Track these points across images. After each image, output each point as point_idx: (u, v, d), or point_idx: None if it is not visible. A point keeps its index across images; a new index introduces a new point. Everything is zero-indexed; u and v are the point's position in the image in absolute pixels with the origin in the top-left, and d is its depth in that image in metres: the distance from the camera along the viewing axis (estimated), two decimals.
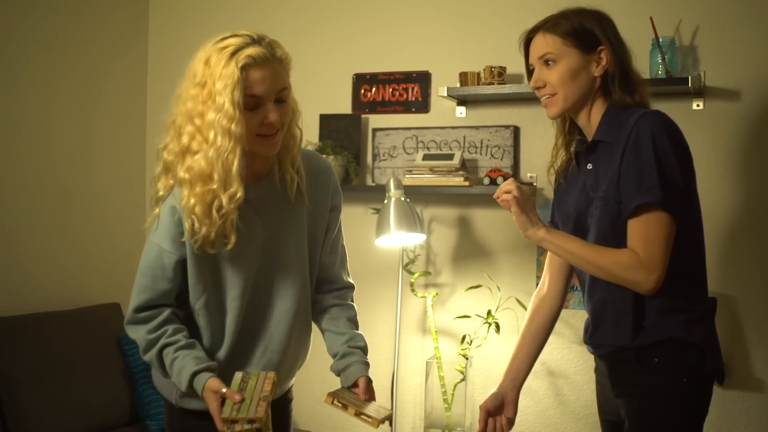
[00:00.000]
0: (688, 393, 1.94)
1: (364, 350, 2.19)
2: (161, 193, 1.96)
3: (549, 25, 2.01)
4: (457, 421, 3.20)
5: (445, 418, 3.20)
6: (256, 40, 1.87)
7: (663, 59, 2.94)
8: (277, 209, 2.02)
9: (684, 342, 1.93)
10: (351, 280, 2.29)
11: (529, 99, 3.27)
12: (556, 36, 2.00)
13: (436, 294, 3.36)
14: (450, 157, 3.27)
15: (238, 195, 1.86)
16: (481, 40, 3.38)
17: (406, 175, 3.29)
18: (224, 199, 1.85)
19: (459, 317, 3.29)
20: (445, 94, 3.29)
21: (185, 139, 1.88)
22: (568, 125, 2.15)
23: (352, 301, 2.29)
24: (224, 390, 1.85)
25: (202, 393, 1.88)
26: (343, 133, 3.58)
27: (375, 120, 3.59)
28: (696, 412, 1.96)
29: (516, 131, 3.30)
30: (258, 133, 1.89)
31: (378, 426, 2.03)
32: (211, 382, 1.87)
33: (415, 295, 3.33)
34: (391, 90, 3.57)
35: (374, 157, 3.54)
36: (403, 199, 3.13)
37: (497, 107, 3.36)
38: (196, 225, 1.88)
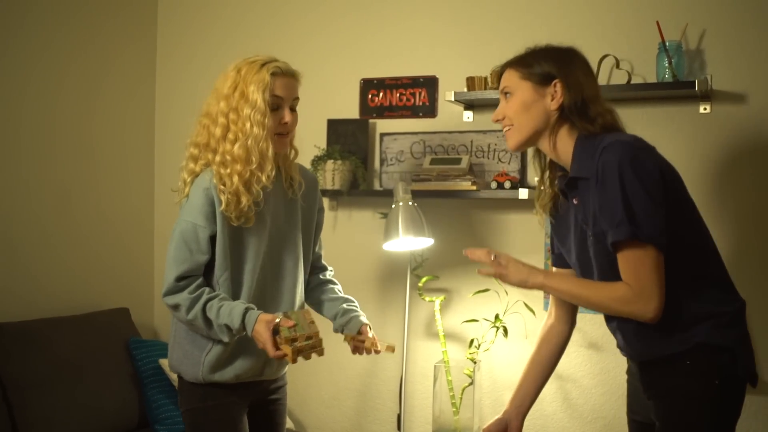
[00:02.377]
0: (720, 395, 1.94)
1: (358, 308, 2.55)
2: (188, 178, 2.32)
3: (512, 60, 2.12)
4: (465, 425, 3.20)
5: (453, 422, 3.20)
6: (276, 59, 2.32)
7: (670, 63, 2.94)
8: (280, 203, 2.41)
9: (716, 346, 1.94)
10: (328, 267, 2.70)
11: None
12: (514, 71, 2.09)
13: (444, 298, 3.36)
14: (457, 161, 3.28)
15: (274, 172, 2.31)
16: (488, 44, 3.39)
17: (414, 180, 3.30)
18: (263, 177, 2.28)
19: (467, 321, 3.29)
20: (452, 99, 3.29)
21: (219, 131, 2.28)
22: (548, 161, 2.19)
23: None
24: (278, 320, 2.18)
25: (255, 325, 2.18)
26: (350, 137, 3.59)
27: (382, 125, 3.60)
28: (728, 414, 1.97)
29: None
30: (276, 132, 2.31)
31: (394, 351, 2.45)
32: (264, 315, 2.20)
33: (423, 299, 3.34)
34: (398, 95, 3.58)
35: (382, 161, 3.55)
36: (410, 203, 3.13)
37: None
38: (237, 198, 2.24)
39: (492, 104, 3.33)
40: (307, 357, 2.16)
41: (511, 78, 2.09)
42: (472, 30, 3.44)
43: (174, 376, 3.00)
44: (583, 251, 2.08)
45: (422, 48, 3.55)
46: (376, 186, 3.58)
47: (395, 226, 3.10)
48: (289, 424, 3.06)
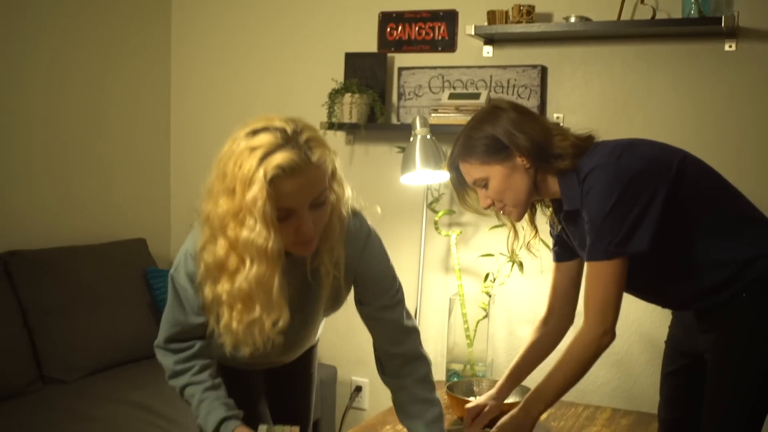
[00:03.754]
0: None
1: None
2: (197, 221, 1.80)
3: (461, 154, 2.06)
4: (479, 357, 3.24)
5: (467, 354, 3.24)
6: (290, 139, 1.64)
7: None
8: (303, 290, 1.92)
9: None
10: (410, 331, 2.04)
11: (557, 38, 3.25)
12: (473, 162, 2.05)
13: (460, 232, 3.38)
14: (476, 96, 3.26)
15: (282, 322, 1.72)
16: None
17: (432, 114, 3.29)
18: (267, 325, 1.72)
19: (483, 255, 3.31)
20: (473, 33, 3.26)
21: (221, 253, 1.69)
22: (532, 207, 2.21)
23: (419, 355, 2.06)
24: None
25: None
26: (368, 71, 3.57)
27: (401, 59, 3.58)
28: None
29: (543, 71, 3.27)
30: (293, 241, 1.72)
31: None
32: (241, 430, 1.87)
33: (439, 233, 3.35)
34: (417, 29, 3.54)
35: (399, 96, 3.53)
36: (429, 137, 3.13)
37: (525, 47, 3.33)
38: (237, 344, 1.77)
39: (513, 39, 3.31)
40: None
41: (474, 169, 2.05)
42: None
43: None
44: None
45: None
46: (394, 120, 3.57)
47: (413, 158, 3.09)
48: None
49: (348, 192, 1.84)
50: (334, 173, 1.75)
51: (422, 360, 2.04)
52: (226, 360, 2.02)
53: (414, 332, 2.04)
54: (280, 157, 1.61)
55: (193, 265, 1.80)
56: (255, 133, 1.66)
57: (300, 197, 1.66)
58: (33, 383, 3.02)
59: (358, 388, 3.72)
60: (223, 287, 1.71)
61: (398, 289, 2.01)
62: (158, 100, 4.05)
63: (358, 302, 2.02)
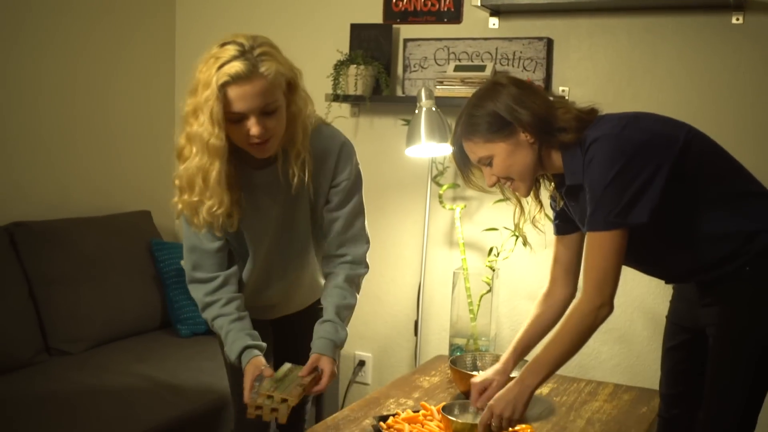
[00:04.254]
0: None
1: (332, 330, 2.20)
2: None
3: (464, 133, 2.06)
4: (482, 331, 3.25)
5: (471, 328, 3.24)
6: (245, 52, 1.90)
7: None
8: (284, 189, 2.10)
9: None
10: (350, 251, 2.24)
11: (563, 10, 3.22)
12: (477, 141, 2.03)
13: (465, 206, 3.37)
14: (482, 68, 3.24)
15: (215, 208, 1.99)
16: None
17: (437, 86, 3.26)
18: (203, 210, 2.00)
19: (487, 230, 3.30)
20: (479, 4, 3.23)
21: (181, 142, 1.98)
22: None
23: (356, 259, 2.25)
24: (263, 368, 2.06)
25: (246, 365, 2.09)
26: (373, 43, 3.55)
27: (406, 30, 3.55)
28: None
29: (549, 43, 3.25)
30: (248, 142, 1.96)
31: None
32: (257, 360, 2.09)
33: (444, 207, 3.34)
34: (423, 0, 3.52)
35: (405, 68, 3.50)
36: (434, 109, 3.11)
37: (531, 18, 3.30)
38: (194, 225, 2.06)
39: (519, 11, 3.28)
40: (266, 418, 2.00)
41: (478, 148, 2.04)
42: None
43: None
44: None
45: None
46: (399, 92, 3.55)
47: (418, 130, 3.08)
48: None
49: (311, 105, 2.08)
50: (294, 87, 2.01)
51: (362, 266, 2.26)
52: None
53: (366, 243, 2.26)
54: (230, 67, 1.88)
55: None
56: (223, 44, 1.93)
57: (246, 102, 1.90)
58: (38, 354, 3.04)
59: (361, 363, 3.73)
60: (177, 170, 2.00)
61: (362, 199, 2.24)
62: (163, 73, 4.04)
63: (326, 204, 2.20)
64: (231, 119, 1.91)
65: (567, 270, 2.29)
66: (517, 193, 2.15)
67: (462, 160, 2.13)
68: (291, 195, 2.10)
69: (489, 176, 2.08)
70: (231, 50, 1.89)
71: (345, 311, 2.22)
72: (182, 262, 2.22)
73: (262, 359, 2.10)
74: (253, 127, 1.92)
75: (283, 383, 2.04)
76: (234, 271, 2.19)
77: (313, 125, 2.12)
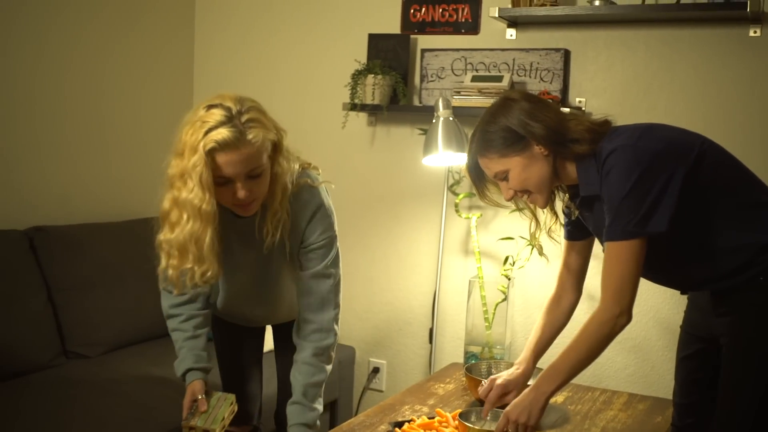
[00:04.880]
0: None
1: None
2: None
3: (479, 149, 2.08)
4: (497, 340, 3.26)
5: (486, 336, 3.25)
6: (233, 118, 1.91)
7: None
8: (258, 244, 2.13)
9: None
10: (316, 319, 2.24)
11: (581, 22, 3.23)
12: (492, 156, 2.06)
13: (481, 215, 3.38)
14: (499, 79, 3.26)
15: (209, 273, 2.00)
16: None
17: (455, 96, 3.29)
18: (197, 275, 2.00)
19: (502, 239, 3.32)
20: (496, 15, 3.25)
21: (166, 206, 1.98)
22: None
23: (326, 326, 2.25)
24: (200, 397, 2.20)
25: (187, 385, 2.22)
26: (391, 53, 3.57)
27: (424, 41, 3.58)
28: None
29: (566, 55, 3.27)
30: (233, 203, 2.00)
31: None
32: (196, 384, 2.21)
33: (460, 216, 3.36)
34: (440, 10, 3.54)
35: (422, 78, 3.53)
36: (451, 119, 3.13)
37: (548, 30, 3.32)
38: (169, 287, 2.14)
39: (537, 22, 3.30)
40: None
41: (493, 164, 2.06)
42: None
43: None
44: None
45: None
46: (416, 102, 3.57)
47: (435, 140, 3.10)
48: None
49: (295, 166, 2.10)
50: (279, 149, 2.03)
51: (330, 334, 2.24)
52: (226, 316, 2.40)
53: (335, 308, 2.26)
54: (218, 133, 1.89)
55: None
56: (210, 107, 1.94)
57: (234, 168, 1.92)
58: (56, 358, 3.07)
59: (376, 370, 3.74)
60: (165, 236, 1.99)
61: (333, 264, 2.22)
62: (181, 81, 4.07)
63: (299, 268, 2.22)
64: (218, 182, 1.93)
65: (577, 276, 2.33)
66: (535, 205, 2.16)
67: (477, 176, 2.16)
68: (263, 249, 2.13)
69: (506, 190, 2.10)
70: (217, 115, 1.91)
71: (313, 389, 2.21)
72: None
73: (200, 384, 2.21)
74: (240, 191, 1.95)
75: (209, 414, 2.20)
76: (203, 289, 2.23)
77: (297, 185, 2.13)
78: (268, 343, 2.62)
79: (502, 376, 2.41)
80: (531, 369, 2.39)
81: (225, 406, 2.22)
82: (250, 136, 1.92)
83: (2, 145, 3.24)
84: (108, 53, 3.65)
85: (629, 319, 1.98)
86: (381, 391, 3.74)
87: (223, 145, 1.89)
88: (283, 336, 2.45)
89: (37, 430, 2.49)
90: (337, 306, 2.27)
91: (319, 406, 2.24)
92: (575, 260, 2.31)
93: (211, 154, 1.89)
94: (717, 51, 3.05)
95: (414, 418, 2.42)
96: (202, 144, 1.88)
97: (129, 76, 3.76)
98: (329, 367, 2.25)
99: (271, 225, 2.08)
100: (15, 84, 3.27)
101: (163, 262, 2.03)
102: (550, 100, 3.16)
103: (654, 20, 3.13)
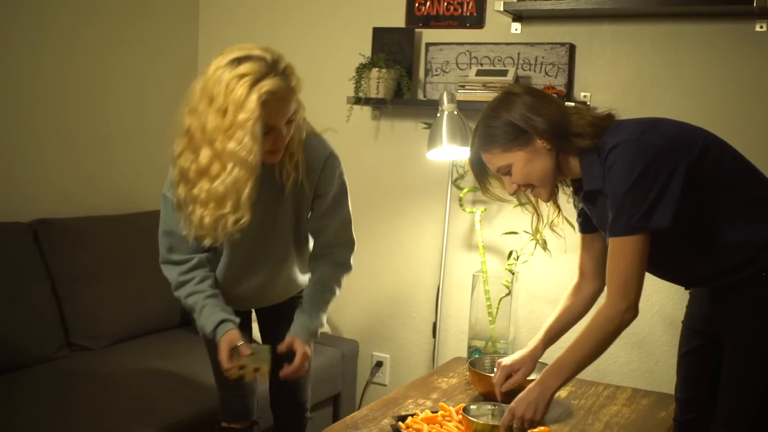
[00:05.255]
0: None
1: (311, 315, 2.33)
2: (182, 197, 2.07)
3: (482, 144, 2.08)
4: (500, 334, 3.25)
5: (489, 331, 3.25)
6: (273, 67, 1.96)
7: None
8: (272, 191, 2.18)
9: None
10: (335, 252, 2.37)
11: (586, 16, 3.23)
12: (494, 151, 2.06)
13: (485, 210, 3.38)
14: (504, 73, 3.25)
15: (243, 220, 2.01)
16: None
17: (459, 91, 3.28)
18: (230, 222, 2.00)
19: (506, 233, 3.31)
20: (501, 9, 3.24)
21: (204, 161, 1.98)
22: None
23: (341, 260, 2.38)
24: (239, 344, 2.17)
25: (221, 337, 2.18)
26: (396, 47, 3.57)
27: (428, 34, 3.57)
28: None
29: (572, 49, 3.26)
30: (267, 150, 2.03)
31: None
32: (233, 333, 2.18)
33: (464, 210, 3.36)
34: (445, 4, 3.53)
35: (426, 72, 3.52)
36: (455, 113, 3.13)
37: (553, 24, 3.31)
38: (201, 236, 2.06)
39: (542, 16, 3.29)
40: (249, 378, 2.22)
41: (496, 158, 2.07)
42: None
43: None
44: None
45: None
46: (420, 96, 3.57)
47: (439, 134, 3.09)
48: (325, 328, 3.13)
49: (303, 110, 2.14)
50: (297, 91, 2.06)
51: (347, 267, 2.38)
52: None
53: (353, 247, 2.37)
54: (269, 83, 1.93)
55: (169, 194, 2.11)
56: (238, 61, 1.95)
57: (282, 116, 1.99)
58: (60, 350, 3.07)
59: (379, 364, 3.74)
60: (202, 188, 1.98)
61: (348, 209, 2.32)
62: (185, 73, 4.07)
63: (312, 212, 2.29)
64: (262, 133, 1.96)
65: (596, 264, 2.31)
66: (539, 199, 2.17)
67: (480, 171, 2.16)
68: (278, 196, 2.19)
69: (509, 185, 2.11)
70: (256, 65, 1.94)
71: (322, 303, 2.33)
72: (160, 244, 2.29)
73: (236, 333, 2.19)
74: (279, 138, 2.01)
75: (254, 357, 2.19)
76: (208, 255, 2.27)
77: (305, 131, 2.19)
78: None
79: (511, 358, 2.42)
80: (539, 352, 2.39)
81: (266, 352, 2.21)
82: (293, 83, 2.00)
83: (6, 138, 3.25)
84: (111, 47, 3.64)
85: (635, 314, 1.97)
86: (384, 385, 3.74)
87: (278, 95, 1.95)
88: (268, 320, 2.53)
89: (40, 422, 2.49)
90: (354, 245, 2.37)
91: (324, 319, 2.34)
92: (588, 251, 2.31)
93: (264, 105, 1.92)
94: (723, 46, 3.04)
95: (417, 412, 2.43)
96: (255, 95, 1.91)
97: (132, 69, 3.76)
98: (338, 292, 2.37)
99: (290, 166, 2.13)
100: (19, 78, 3.27)
101: (198, 212, 2.02)
102: (555, 95, 3.16)
103: (660, 15, 3.12)
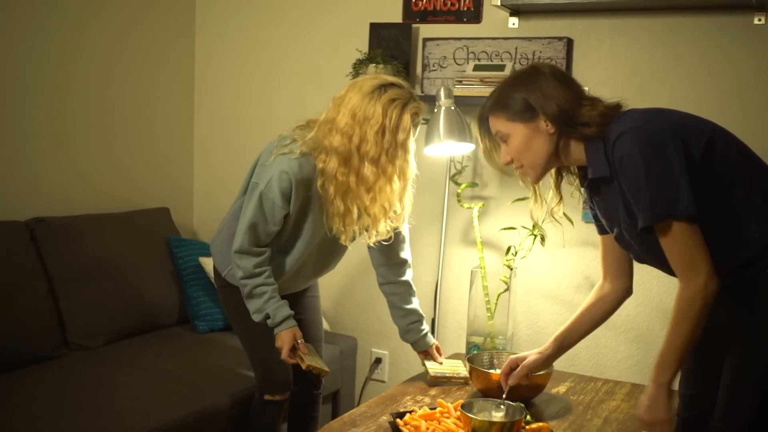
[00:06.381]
0: None
1: (423, 323, 2.95)
2: (300, 147, 2.43)
3: (490, 106, 2.12)
4: (499, 330, 3.24)
5: (488, 327, 3.24)
6: (410, 92, 2.42)
7: None
8: None
9: None
10: (408, 256, 2.89)
11: (583, 10, 3.21)
12: (499, 116, 2.09)
13: (483, 205, 3.37)
14: (501, 68, 3.24)
15: (396, 224, 2.62)
16: None
17: (456, 86, 3.27)
18: (362, 223, 2.50)
19: (505, 229, 3.30)
20: (498, 4, 3.23)
21: (370, 177, 2.39)
22: (557, 170, 2.22)
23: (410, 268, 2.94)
24: (300, 341, 2.52)
25: (286, 330, 2.50)
26: (393, 42, 3.55)
27: (425, 30, 3.55)
28: None
29: (569, 43, 3.24)
30: None
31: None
32: (297, 329, 2.53)
33: (462, 206, 3.35)
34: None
35: (424, 67, 3.51)
36: (453, 108, 3.11)
37: (551, 18, 3.30)
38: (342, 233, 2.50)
39: (539, 10, 3.27)
40: (305, 366, 2.53)
41: (499, 123, 2.10)
42: None
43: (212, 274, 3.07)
44: (620, 235, 2.11)
45: None
46: (418, 92, 3.55)
47: (436, 129, 3.08)
48: (324, 325, 3.13)
49: None
50: None
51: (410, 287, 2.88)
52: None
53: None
54: (415, 107, 2.41)
55: (290, 183, 2.39)
56: (384, 88, 2.38)
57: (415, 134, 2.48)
58: (58, 349, 3.06)
59: (378, 360, 3.74)
60: (373, 198, 2.43)
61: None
62: (183, 71, 4.06)
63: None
64: None
65: (616, 266, 2.29)
66: (527, 179, 2.16)
67: (486, 134, 2.18)
68: None
69: (504, 154, 2.13)
70: (400, 91, 2.39)
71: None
72: (237, 235, 2.49)
73: (299, 330, 2.52)
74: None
75: (312, 356, 2.57)
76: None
77: None
78: None
79: (520, 354, 2.46)
80: (550, 349, 2.40)
81: (313, 350, 2.61)
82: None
83: (3, 136, 3.24)
84: (109, 47, 3.63)
85: (716, 281, 1.91)
86: (383, 382, 3.73)
87: (420, 116, 2.45)
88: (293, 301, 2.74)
89: (38, 421, 2.48)
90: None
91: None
92: (609, 252, 2.28)
93: (414, 124, 2.41)
94: (721, 39, 3.03)
95: (416, 408, 2.42)
96: (407, 118, 2.37)
97: (130, 67, 3.75)
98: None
99: None
100: (17, 76, 3.26)
101: (374, 209, 2.46)
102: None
103: (657, 8, 3.11)
